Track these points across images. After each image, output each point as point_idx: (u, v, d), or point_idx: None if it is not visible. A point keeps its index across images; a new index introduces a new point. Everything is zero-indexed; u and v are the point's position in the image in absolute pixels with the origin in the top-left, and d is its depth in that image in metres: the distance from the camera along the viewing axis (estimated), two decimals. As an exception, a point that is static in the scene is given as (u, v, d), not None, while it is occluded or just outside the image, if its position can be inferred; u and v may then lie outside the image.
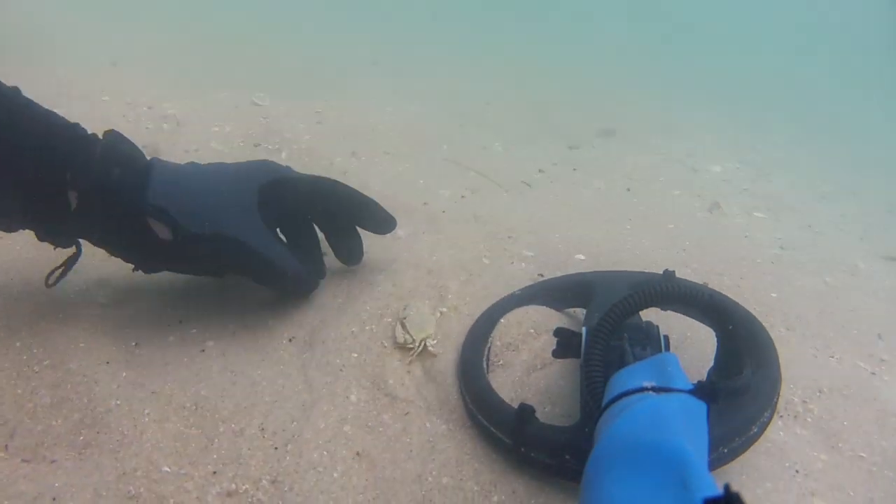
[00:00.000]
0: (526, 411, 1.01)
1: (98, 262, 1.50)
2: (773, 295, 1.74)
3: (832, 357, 1.49)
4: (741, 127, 4.13)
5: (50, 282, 1.23)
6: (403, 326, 1.32)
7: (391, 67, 4.02)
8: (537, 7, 8.40)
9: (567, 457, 0.96)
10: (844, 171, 3.55)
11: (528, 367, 1.25)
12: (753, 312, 1.66)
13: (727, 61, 7.16)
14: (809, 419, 1.26)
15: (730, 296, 1.67)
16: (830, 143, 4.24)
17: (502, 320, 1.35)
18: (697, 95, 4.98)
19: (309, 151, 2.33)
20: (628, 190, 2.37)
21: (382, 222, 1.44)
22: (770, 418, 1.03)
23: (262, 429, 1.08)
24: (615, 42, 6.93)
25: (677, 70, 5.95)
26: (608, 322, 0.94)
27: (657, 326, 1.08)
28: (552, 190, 2.25)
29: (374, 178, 2.13)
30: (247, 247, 1.21)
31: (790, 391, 1.32)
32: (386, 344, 1.28)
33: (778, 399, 1.07)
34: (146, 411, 1.09)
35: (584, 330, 1.05)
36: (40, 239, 1.16)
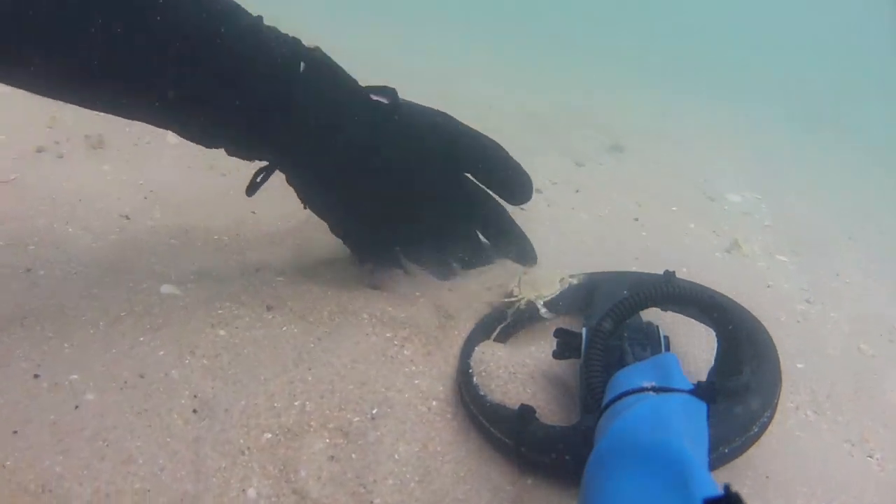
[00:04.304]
0: (526, 412, 0.99)
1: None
2: (799, 365, 1.46)
3: (871, 457, 1.21)
4: (765, 147, 3.83)
5: (249, 194, 1.26)
6: (518, 281, 1.30)
7: (389, 68, 3.74)
8: (545, 9, 8.04)
9: (567, 457, 0.94)
10: (878, 201, 3.25)
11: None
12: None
13: (753, 69, 6.78)
14: (843, 551, 0.98)
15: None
16: (864, 165, 3.94)
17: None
18: (718, 108, 4.67)
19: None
20: (636, 220, 2.08)
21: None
22: (771, 418, 1.01)
23: (118, 534, 0.81)
24: (629, 49, 6.57)
25: (696, 80, 5.61)
26: (608, 322, 0.94)
27: (657, 327, 1.08)
28: (547, 215, 1.97)
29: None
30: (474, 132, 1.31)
31: (818, 506, 1.04)
32: (313, 424, 1.00)
33: (779, 399, 1.04)
34: (-29, 497, 0.83)
35: (584, 330, 1.05)
36: (230, 154, 1.19)
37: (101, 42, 0.95)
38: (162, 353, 1.12)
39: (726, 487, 0.52)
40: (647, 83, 5.11)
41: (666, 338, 1.06)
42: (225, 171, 2.04)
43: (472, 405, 1.07)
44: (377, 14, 5.39)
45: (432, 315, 1.27)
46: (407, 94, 1.29)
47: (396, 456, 0.96)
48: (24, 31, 0.91)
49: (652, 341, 1.04)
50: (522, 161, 1.36)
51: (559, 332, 1.10)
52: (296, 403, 1.02)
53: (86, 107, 1.09)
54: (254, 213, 1.79)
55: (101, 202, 1.69)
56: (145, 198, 1.78)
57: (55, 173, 1.80)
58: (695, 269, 1.77)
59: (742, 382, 1.01)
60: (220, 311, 1.24)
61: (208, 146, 1.17)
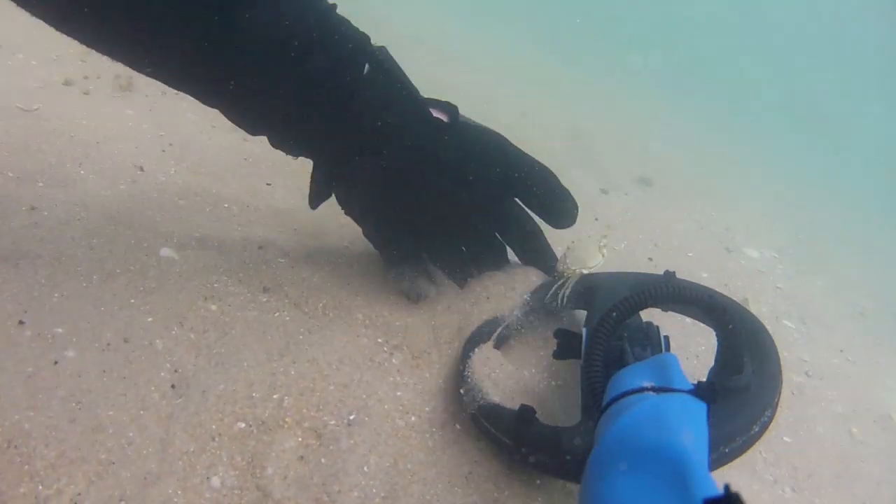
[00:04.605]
0: (527, 412, 0.99)
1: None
2: (787, 439, 1.44)
3: (842, 549, 1.19)
4: (792, 196, 3.78)
5: (313, 206, 1.24)
6: (564, 258, 1.36)
7: (432, 59, 3.70)
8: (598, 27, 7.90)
9: (567, 457, 0.94)
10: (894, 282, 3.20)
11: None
12: (758, 458, 1.39)
13: (798, 110, 6.65)
14: None
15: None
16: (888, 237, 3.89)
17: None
18: (753, 146, 4.61)
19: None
20: (650, 259, 2.05)
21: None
22: (771, 418, 1.01)
23: (75, 503, 0.80)
24: (674, 78, 6.46)
25: (736, 114, 5.51)
26: (608, 323, 0.94)
27: (657, 327, 1.09)
28: (562, 240, 1.93)
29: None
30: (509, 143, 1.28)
31: None
32: (288, 420, 0.98)
33: (779, 398, 1.04)
34: (-67, 440, 0.81)
35: (584, 331, 1.06)
36: (274, 146, 1.16)
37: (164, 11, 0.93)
38: (150, 319, 1.10)
39: (726, 487, 0.52)
40: (695, 116, 5.03)
41: (666, 338, 1.07)
42: (248, 136, 2.02)
43: (472, 406, 1.07)
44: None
45: (427, 328, 1.25)
46: (447, 93, 1.27)
47: (366, 468, 0.95)
48: None
49: (652, 341, 1.04)
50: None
51: (559, 333, 1.11)
52: (274, 396, 1.01)
53: (134, 68, 1.04)
54: (269, 184, 1.77)
55: (117, 148, 1.67)
56: (163, 150, 1.76)
57: (78, 109, 1.78)
58: (701, 323, 1.74)
59: (743, 382, 1.01)
60: (215, 285, 1.22)
61: (252, 132, 1.13)
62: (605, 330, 0.93)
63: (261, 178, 1.79)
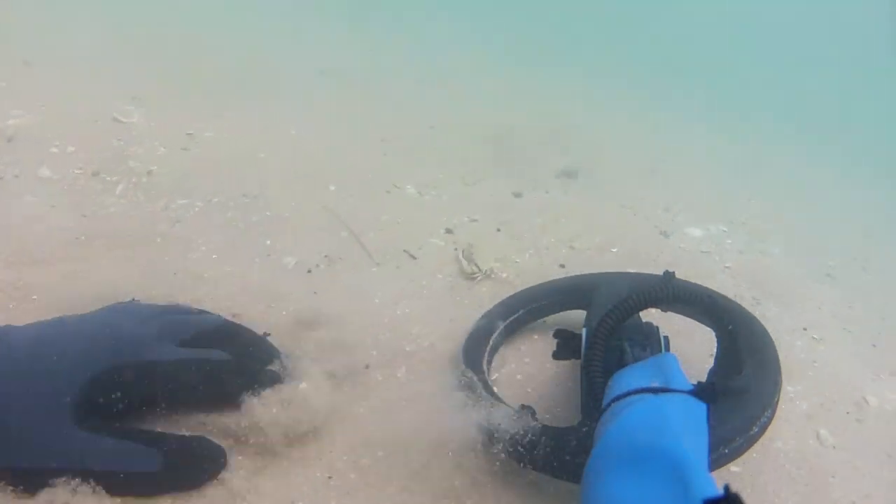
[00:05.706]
0: (526, 412, 0.99)
1: None
2: (734, 469, 1.15)
3: None
4: (738, 168, 3.52)
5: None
6: (468, 262, 1.53)
7: (343, 78, 3.45)
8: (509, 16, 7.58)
9: (567, 457, 0.92)
10: (856, 232, 2.93)
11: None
12: None
13: (732, 83, 6.42)
14: None
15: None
16: (844, 190, 3.66)
17: None
18: (692, 124, 4.36)
19: (148, 188, 1.79)
20: (562, 266, 1.77)
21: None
22: (771, 418, 0.99)
23: None
24: (603, 60, 6.15)
25: (672, 93, 5.25)
26: (608, 323, 0.94)
27: (657, 327, 1.08)
28: (449, 261, 1.66)
29: (201, 236, 1.59)
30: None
31: None
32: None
33: (778, 399, 1.02)
34: None
35: (584, 331, 1.06)
36: None
37: None
38: None
39: (726, 488, 0.52)
40: (629, 99, 4.78)
41: (666, 338, 1.06)
42: (87, 212, 1.77)
43: (473, 409, 1.04)
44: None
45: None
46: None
47: None
48: None
49: (651, 342, 1.04)
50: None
51: (559, 333, 1.11)
52: None
53: None
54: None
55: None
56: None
57: None
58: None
59: (742, 383, 1.00)
60: None
61: None
62: (605, 330, 0.94)
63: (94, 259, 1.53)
